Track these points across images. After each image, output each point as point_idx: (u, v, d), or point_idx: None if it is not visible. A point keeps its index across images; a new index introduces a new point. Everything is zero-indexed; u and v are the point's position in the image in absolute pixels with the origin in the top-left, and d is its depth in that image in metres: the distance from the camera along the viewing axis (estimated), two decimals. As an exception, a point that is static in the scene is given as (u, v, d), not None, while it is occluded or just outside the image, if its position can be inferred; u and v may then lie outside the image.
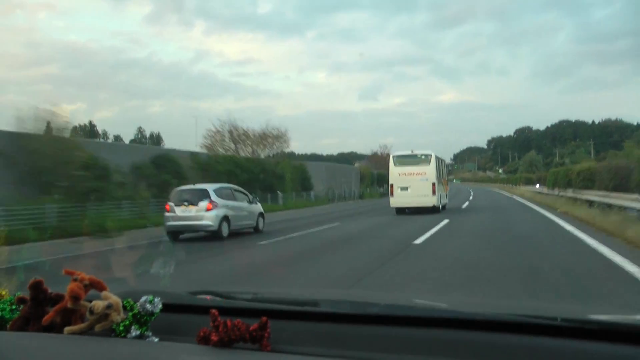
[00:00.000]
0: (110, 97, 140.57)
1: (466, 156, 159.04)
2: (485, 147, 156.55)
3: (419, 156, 20.42)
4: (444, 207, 21.92)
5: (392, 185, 20.21)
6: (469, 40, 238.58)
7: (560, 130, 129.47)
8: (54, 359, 0.98)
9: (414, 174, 19.70)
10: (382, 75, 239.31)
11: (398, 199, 19.97)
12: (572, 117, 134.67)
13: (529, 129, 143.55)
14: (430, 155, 20.16)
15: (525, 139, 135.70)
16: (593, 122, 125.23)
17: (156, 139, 72.97)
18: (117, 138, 69.33)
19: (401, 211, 20.03)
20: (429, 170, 19.77)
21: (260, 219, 14.17)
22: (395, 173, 20.22)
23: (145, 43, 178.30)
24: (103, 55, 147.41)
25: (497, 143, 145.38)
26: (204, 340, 0.99)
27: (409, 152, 20.80)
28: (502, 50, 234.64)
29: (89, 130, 64.88)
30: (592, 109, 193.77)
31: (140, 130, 78.61)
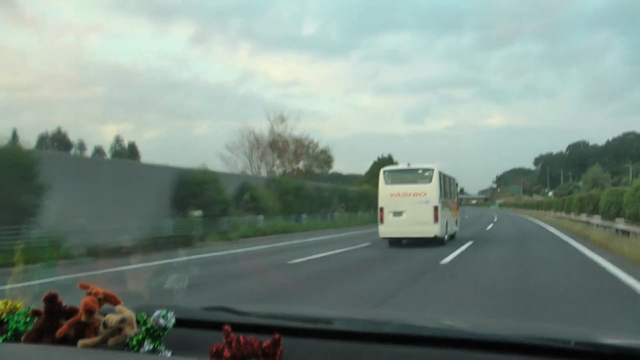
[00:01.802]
0: (157, 118, 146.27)
1: (510, 178, 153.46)
2: (532, 167, 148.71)
3: (417, 171, 16.90)
4: (452, 236, 18.49)
5: (382, 209, 16.52)
6: (517, 62, 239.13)
7: (626, 144, 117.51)
8: None
9: (410, 194, 16.22)
10: (428, 98, 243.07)
11: (389, 228, 16.36)
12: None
13: (584, 144, 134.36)
14: (432, 171, 16.50)
15: (580, 155, 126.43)
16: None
17: (131, 150, 74.55)
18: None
19: (396, 242, 16.76)
20: (430, 190, 16.18)
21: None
22: (386, 193, 16.59)
23: (191, 64, 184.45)
24: (149, 76, 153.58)
25: (546, 161, 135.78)
26: (217, 356, 1.04)
27: (404, 166, 17.41)
28: (550, 72, 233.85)
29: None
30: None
31: (118, 140, 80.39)
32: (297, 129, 56.08)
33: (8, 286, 1.48)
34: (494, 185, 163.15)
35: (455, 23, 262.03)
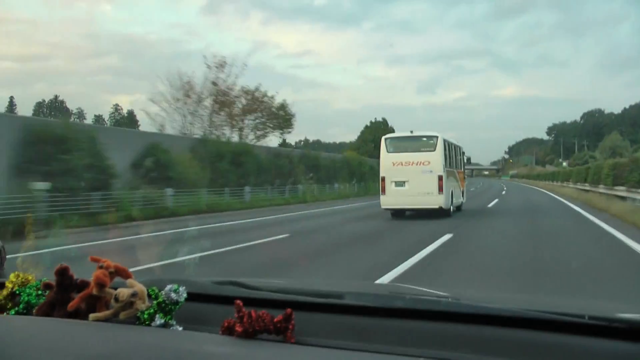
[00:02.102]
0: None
1: (522, 149, 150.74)
2: (545, 137, 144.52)
3: (421, 139, 16.28)
4: (458, 208, 17.98)
5: (383, 179, 16.07)
6: (530, 31, 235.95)
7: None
8: (79, 344, 1.05)
9: (413, 163, 15.61)
10: (440, 69, 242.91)
11: (391, 198, 15.84)
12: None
13: (599, 112, 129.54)
14: (436, 138, 15.93)
15: (595, 124, 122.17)
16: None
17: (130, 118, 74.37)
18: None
19: (399, 214, 16.35)
20: (435, 159, 15.59)
21: None
22: (388, 162, 16.03)
23: (202, 34, 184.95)
24: (161, 46, 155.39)
25: (559, 131, 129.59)
26: (228, 331, 1.05)
27: (406, 134, 16.67)
28: (564, 41, 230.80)
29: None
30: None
31: (117, 109, 79.98)
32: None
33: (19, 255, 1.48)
34: (506, 156, 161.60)
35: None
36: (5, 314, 1.32)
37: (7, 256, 1.65)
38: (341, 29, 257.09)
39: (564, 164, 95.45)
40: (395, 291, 1.56)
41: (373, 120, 64.20)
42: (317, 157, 37.85)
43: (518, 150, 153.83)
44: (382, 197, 16.14)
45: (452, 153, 17.59)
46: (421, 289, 1.48)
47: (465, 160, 21.14)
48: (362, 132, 63.45)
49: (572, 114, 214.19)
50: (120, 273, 1.28)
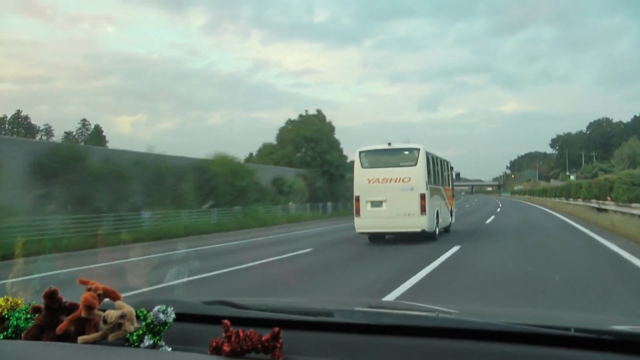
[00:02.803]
0: (171, 108, 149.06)
1: (524, 163, 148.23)
2: (549, 151, 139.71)
3: (401, 152, 14.70)
4: (446, 229, 16.72)
5: (357, 199, 14.38)
6: (530, 47, 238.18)
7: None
8: None
9: (391, 180, 14.00)
10: (441, 85, 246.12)
11: (367, 221, 14.16)
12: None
13: (607, 121, 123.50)
14: (418, 151, 14.25)
15: (603, 134, 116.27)
16: None
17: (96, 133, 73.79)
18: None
19: (377, 238, 14.69)
20: (416, 175, 13.96)
21: None
22: (363, 179, 14.39)
23: (203, 54, 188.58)
24: (163, 66, 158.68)
25: (564, 143, 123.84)
26: (216, 351, 1.06)
27: (384, 146, 14.83)
28: (565, 56, 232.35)
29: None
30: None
31: (84, 124, 78.59)
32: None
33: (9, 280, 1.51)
34: (508, 171, 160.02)
35: (468, 8, 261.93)
36: None
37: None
38: (341, 47, 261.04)
39: (572, 177, 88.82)
40: (384, 308, 1.57)
41: (304, 114, 45.89)
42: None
43: (520, 165, 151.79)
44: (356, 220, 14.46)
45: (438, 168, 16.16)
46: (410, 304, 1.50)
47: (453, 177, 19.67)
48: (281, 130, 44.80)
49: (577, 126, 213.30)
50: (109, 295, 1.30)
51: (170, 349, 1.15)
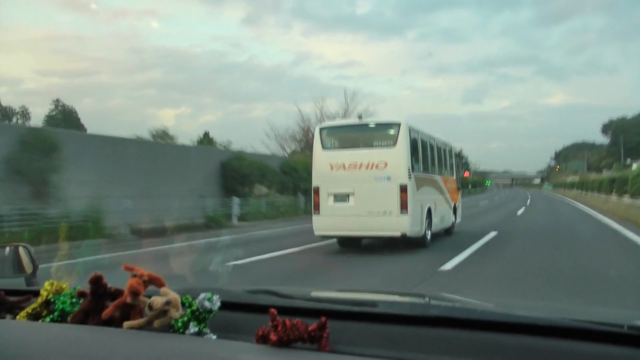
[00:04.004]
0: (214, 101, 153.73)
1: (571, 154, 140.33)
2: (599, 141, 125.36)
3: (374, 129, 11.56)
4: (447, 231, 13.87)
5: (316, 191, 11.27)
6: (577, 37, 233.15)
7: None
8: (114, 352, 1.11)
9: (361, 165, 10.82)
10: (486, 77, 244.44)
11: (328, 220, 11.05)
12: None
13: None
14: (398, 127, 10.93)
15: None
16: None
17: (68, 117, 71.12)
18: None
19: (348, 243, 11.77)
20: (395, 159, 10.73)
21: None
22: (324, 164, 11.23)
23: (245, 46, 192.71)
24: (205, 59, 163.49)
25: (617, 128, 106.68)
26: (263, 340, 1.09)
27: (352, 121, 12.31)
28: (614, 46, 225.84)
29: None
30: None
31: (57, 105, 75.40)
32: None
33: (54, 264, 1.57)
34: (552, 163, 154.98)
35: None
36: (40, 321, 1.40)
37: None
38: (384, 38, 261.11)
39: (634, 165, 69.49)
40: (430, 299, 1.59)
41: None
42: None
43: (566, 155, 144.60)
44: (314, 218, 11.30)
45: (431, 152, 12.80)
46: (455, 297, 1.51)
47: (459, 165, 16.31)
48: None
49: (633, 107, 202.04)
50: (154, 281, 1.34)
51: (215, 337, 1.18)
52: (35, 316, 1.42)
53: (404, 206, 10.52)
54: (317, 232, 11.40)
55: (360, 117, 11.81)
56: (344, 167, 10.96)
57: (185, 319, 1.22)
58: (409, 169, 10.80)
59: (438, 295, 1.77)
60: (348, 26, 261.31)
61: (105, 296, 1.37)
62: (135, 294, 1.29)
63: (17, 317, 1.43)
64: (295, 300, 1.33)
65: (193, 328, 1.20)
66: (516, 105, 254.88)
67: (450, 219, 14.22)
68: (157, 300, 1.24)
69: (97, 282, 1.37)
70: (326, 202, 11.11)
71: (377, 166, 10.71)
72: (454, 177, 15.40)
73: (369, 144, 11.12)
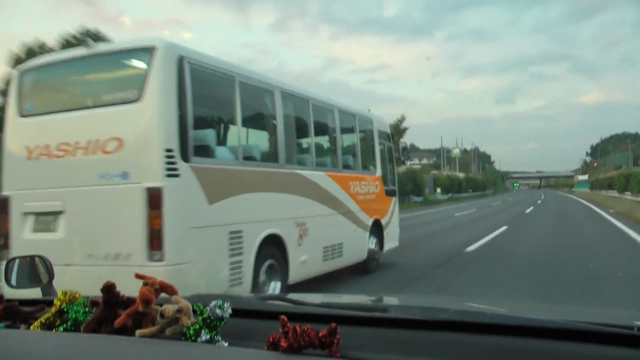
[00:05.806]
0: None
1: (611, 147, 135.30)
2: None
3: (101, 63, 5.82)
4: (365, 266, 9.17)
5: (4, 202, 5.84)
6: (611, 31, 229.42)
7: None
8: None
9: (76, 147, 5.46)
10: (518, 77, 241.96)
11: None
12: None
13: None
14: (149, 56, 5.29)
15: None
16: None
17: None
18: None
19: None
20: (137, 127, 5.26)
21: None
22: (19, 145, 5.86)
23: (274, 53, 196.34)
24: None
25: None
26: (273, 346, 1.13)
27: (73, 54, 6.11)
28: None
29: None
30: None
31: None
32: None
33: None
34: (587, 159, 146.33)
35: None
36: (54, 330, 1.46)
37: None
38: (413, 40, 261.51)
39: None
40: (440, 304, 1.61)
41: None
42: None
43: (604, 149, 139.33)
44: None
45: (285, 119, 7.21)
46: (466, 300, 1.53)
47: (391, 156, 10.85)
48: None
49: None
50: (166, 289, 1.39)
51: (226, 344, 1.23)
52: (48, 326, 1.48)
53: (154, 241, 5.09)
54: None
55: (88, 45, 5.86)
56: (49, 152, 5.67)
57: (197, 326, 1.26)
58: (173, 153, 5.27)
59: (448, 299, 1.79)
60: (376, 29, 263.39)
61: (117, 305, 1.42)
62: (147, 302, 1.35)
63: (31, 327, 1.49)
64: (306, 307, 1.36)
65: (205, 335, 1.25)
66: (550, 105, 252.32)
67: (363, 247, 9.09)
68: (169, 308, 1.29)
69: (109, 291, 1.42)
70: (22, 229, 5.81)
71: (103, 148, 5.36)
72: (377, 173, 9.99)
73: (95, 101, 5.72)
